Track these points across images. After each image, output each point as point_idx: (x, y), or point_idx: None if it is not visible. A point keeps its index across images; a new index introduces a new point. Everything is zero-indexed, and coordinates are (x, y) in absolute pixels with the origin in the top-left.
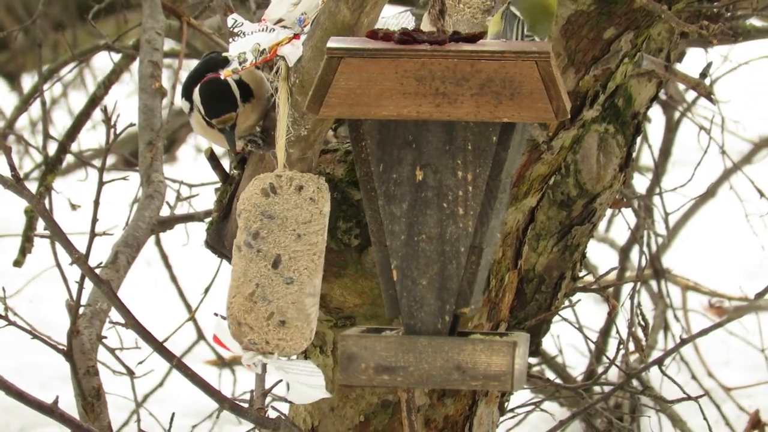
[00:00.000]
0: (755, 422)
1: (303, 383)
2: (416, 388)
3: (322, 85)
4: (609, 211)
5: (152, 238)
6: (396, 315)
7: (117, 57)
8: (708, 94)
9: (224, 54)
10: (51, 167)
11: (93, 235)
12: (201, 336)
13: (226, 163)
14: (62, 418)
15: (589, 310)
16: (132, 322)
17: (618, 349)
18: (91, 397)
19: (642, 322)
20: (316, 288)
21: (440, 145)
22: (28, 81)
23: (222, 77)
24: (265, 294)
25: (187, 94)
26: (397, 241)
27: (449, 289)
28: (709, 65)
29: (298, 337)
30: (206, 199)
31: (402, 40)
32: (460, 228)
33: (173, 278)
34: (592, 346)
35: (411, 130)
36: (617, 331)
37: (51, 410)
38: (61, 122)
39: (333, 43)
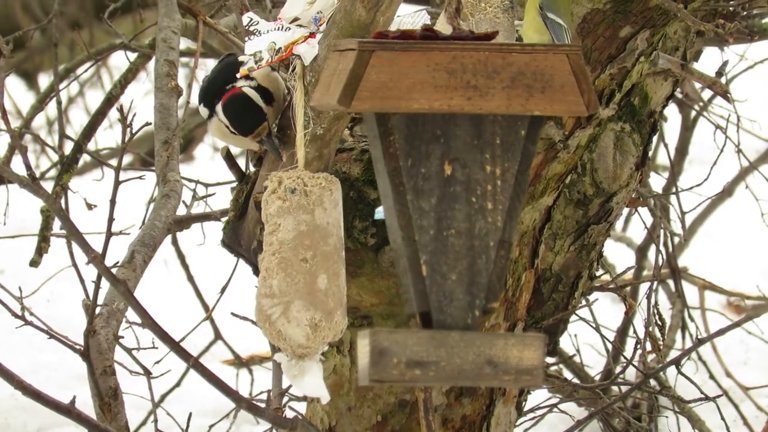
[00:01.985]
0: None
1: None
2: (448, 384)
3: (354, 78)
4: (625, 210)
5: (169, 238)
6: (419, 310)
7: (133, 56)
8: (724, 92)
9: (241, 58)
10: (67, 166)
11: (109, 234)
12: (218, 335)
13: (242, 163)
14: (79, 418)
15: (607, 309)
16: (149, 322)
17: (635, 349)
18: (108, 397)
19: (659, 322)
20: (272, 289)
21: (469, 140)
22: (44, 80)
23: (239, 84)
24: None
25: (205, 101)
26: (426, 236)
27: (479, 283)
28: (725, 64)
29: (269, 336)
30: (223, 199)
31: (425, 36)
32: (489, 222)
33: (190, 278)
34: (610, 346)
35: (439, 125)
36: (634, 331)
37: (68, 410)
38: (77, 121)
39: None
